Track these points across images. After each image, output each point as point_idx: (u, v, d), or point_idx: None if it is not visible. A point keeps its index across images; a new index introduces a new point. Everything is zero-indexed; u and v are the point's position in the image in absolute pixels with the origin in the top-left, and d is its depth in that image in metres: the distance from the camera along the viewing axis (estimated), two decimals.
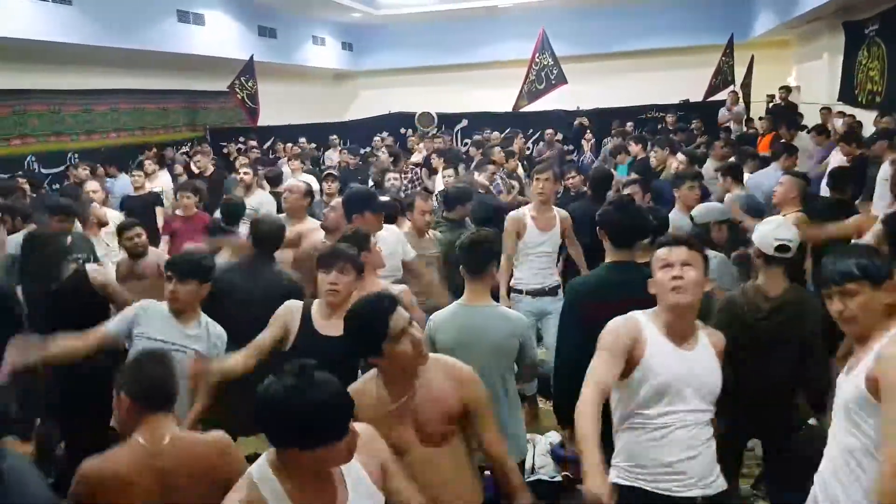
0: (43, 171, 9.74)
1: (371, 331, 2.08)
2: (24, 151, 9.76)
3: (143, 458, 2.08)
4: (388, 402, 2.15)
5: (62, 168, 9.70)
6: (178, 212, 5.86)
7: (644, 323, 2.29)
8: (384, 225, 4.18)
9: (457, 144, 12.13)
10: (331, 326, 2.88)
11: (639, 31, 16.11)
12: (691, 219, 4.23)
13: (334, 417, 1.61)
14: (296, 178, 6.86)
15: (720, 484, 2.28)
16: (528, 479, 3.73)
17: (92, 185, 5.75)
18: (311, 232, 4.55)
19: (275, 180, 7.15)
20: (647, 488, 2.25)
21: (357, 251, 3.15)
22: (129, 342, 3.07)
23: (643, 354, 2.23)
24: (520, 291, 4.58)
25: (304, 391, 1.58)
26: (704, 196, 4.98)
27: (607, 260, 3.07)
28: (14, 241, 4.13)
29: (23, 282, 3.81)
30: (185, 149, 12.09)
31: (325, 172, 7.12)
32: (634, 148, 7.76)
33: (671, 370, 2.23)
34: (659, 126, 11.56)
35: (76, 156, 10.15)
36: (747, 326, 2.88)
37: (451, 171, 6.74)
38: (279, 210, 5.51)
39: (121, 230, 4.50)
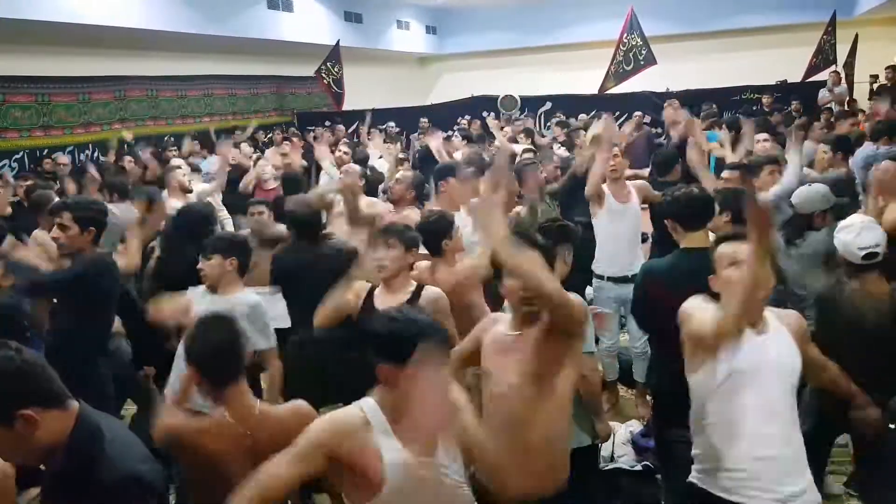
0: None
1: None
2: (123, 135, 10.30)
3: (234, 436, 2.07)
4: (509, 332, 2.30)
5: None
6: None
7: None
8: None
9: (540, 128, 11.94)
10: (387, 301, 2.89)
11: (733, 9, 15.38)
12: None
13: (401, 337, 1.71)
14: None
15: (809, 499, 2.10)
16: (607, 468, 3.65)
17: (175, 162, 6.01)
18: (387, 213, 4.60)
19: (362, 162, 7.26)
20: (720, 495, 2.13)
21: (439, 236, 3.19)
22: None
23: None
24: (601, 277, 4.42)
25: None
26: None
27: (681, 246, 2.96)
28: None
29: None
30: (275, 133, 12.39)
31: (399, 157, 7.18)
32: (723, 134, 7.39)
33: (748, 355, 2.12)
34: (754, 108, 11.01)
35: (171, 139, 10.60)
36: (849, 325, 2.72)
37: (529, 155, 6.67)
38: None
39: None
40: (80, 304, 3.17)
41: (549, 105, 12.92)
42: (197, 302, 3.08)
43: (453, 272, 3.24)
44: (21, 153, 8.76)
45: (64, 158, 8.03)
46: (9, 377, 1.48)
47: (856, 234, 2.75)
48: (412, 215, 4.13)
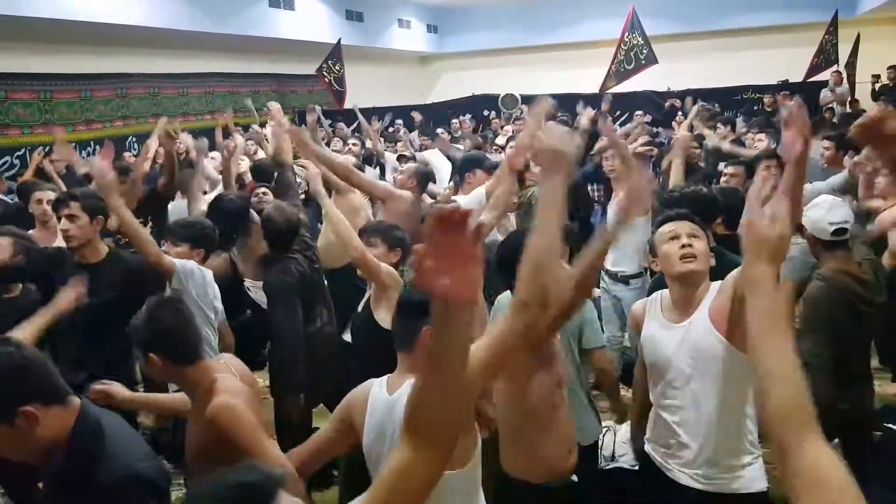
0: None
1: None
2: (125, 132, 10.30)
3: (240, 384, 2.14)
4: None
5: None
6: None
7: (652, 300, 2.42)
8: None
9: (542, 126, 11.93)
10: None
11: (735, 9, 15.37)
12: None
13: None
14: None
15: (733, 484, 2.18)
16: (607, 467, 3.65)
17: (212, 154, 6.10)
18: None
19: (367, 160, 7.35)
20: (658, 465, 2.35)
21: None
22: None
23: (643, 332, 2.38)
24: (614, 276, 4.47)
25: None
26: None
27: None
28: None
29: None
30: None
31: (398, 154, 7.33)
32: (721, 130, 7.42)
33: (658, 348, 2.29)
34: (755, 108, 11.01)
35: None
36: (847, 309, 2.77)
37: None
38: None
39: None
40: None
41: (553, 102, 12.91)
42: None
43: None
44: (23, 150, 8.76)
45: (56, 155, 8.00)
46: (10, 374, 1.47)
47: (826, 210, 2.81)
48: (406, 195, 4.15)
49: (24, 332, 2.35)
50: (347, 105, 12.54)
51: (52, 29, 8.32)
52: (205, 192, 5.07)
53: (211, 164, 5.63)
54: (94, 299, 2.81)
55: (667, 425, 2.29)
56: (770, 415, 1.10)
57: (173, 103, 11.49)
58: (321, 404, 3.84)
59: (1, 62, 8.42)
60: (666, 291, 2.37)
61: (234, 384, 2.09)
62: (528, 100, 13.06)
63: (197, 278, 3.08)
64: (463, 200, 4.01)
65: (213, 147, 9.58)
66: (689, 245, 2.25)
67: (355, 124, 13.27)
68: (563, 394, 2.39)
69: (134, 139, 10.29)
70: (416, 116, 11.85)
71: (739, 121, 8.94)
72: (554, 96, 13.61)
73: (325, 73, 12.01)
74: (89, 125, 9.82)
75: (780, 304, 1.21)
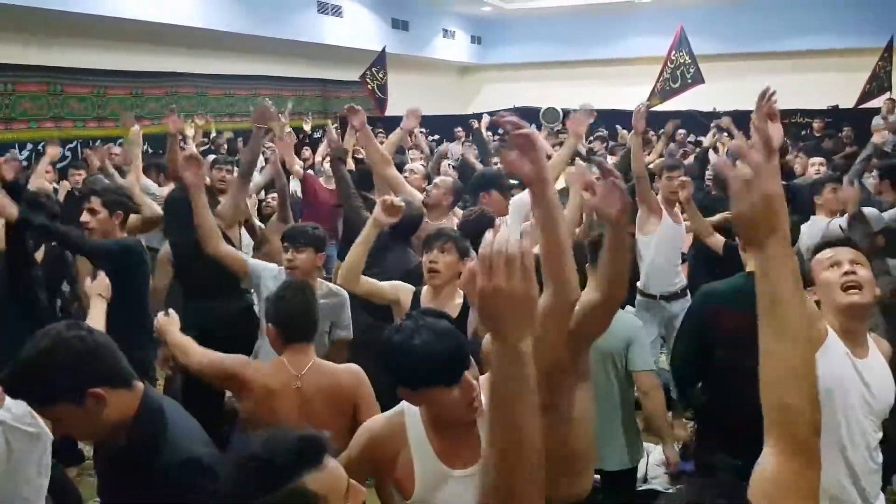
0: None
1: None
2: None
3: (286, 378, 2.35)
4: None
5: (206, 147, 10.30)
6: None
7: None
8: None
9: (584, 141, 11.87)
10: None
11: (785, 31, 15.15)
12: (841, 228, 3.92)
13: (444, 360, 1.62)
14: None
15: None
16: (640, 489, 3.59)
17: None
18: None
19: (400, 167, 7.34)
20: None
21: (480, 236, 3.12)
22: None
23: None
24: (652, 296, 4.41)
25: (414, 332, 1.65)
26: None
27: (747, 269, 2.89)
28: None
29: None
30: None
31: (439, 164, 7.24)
32: None
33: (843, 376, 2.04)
34: (803, 132, 10.81)
35: (219, 135, 10.80)
36: None
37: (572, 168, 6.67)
38: None
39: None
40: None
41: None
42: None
43: None
44: (75, 143, 9.01)
45: (116, 149, 8.22)
46: (81, 356, 1.53)
47: None
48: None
49: (93, 320, 2.47)
50: (389, 113, 12.64)
51: (108, 27, 8.57)
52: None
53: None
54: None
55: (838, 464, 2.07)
56: None
57: (219, 103, 11.71)
58: None
59: (58, 57, 8.66)
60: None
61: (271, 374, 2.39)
62: (569, 114, 13.02)
63: (272, 283, 3.14)
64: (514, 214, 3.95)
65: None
66: (853, 272, 2.06)
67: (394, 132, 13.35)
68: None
69: (181, 137, 10.50)
70: (475, 124, 11.79)
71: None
72: (596, 112, 13.50)
73: (368, 80, 12.13)
74: (139, 121, 10.03)
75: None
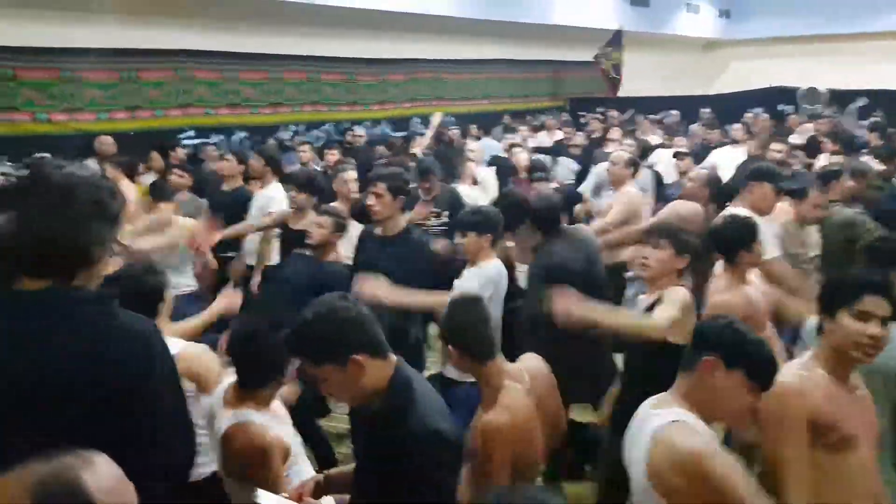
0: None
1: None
2: (410, 113, 11.05)
3: (523, 399, 2.25)
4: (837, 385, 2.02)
5: (405, 133, 10.55)
6: None
7: None
8: None
9: (853, 128, 10.40)
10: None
11: None
12: None
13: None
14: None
15: None
16: None
17: (472, 145, 6.22)
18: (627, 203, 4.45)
19: (644, 153, 6.95)
20: None
21: (735, 244, 2.90)
22: None
23: None
24: None
25: None
26: None
27: None
28: None
29: None
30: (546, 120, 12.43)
31: (675, 151, 6.91)
32: None
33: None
34: None
35: (452, 119, 11.12)
36: None
37: (838, 158, 5.89)
38: None
39: None
40: None
41: (864, 101, 11.17)
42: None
43: (742, 292, 2.86)
44: (327, 125, 9.85)
45: (360, 131, 8.83)
46: (348, 324, 1.67)
47: None
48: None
49: (187, 325, 2.77)
50: (623, 94, 12.11)
51: (357, 17, 9.16)
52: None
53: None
54: (393, 270, 3.17)
55: None
56: None
57: (456, 87, 12.06)
58: None
59: (275, 45, 9.23)
60: None
61: (516, 400, 2.21)
62: (836, 97, 11.46)
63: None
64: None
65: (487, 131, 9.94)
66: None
67: (628, 115, 12.81)
68: None
69: (419, 120, 10.97)
70: (706, 114, 10.98)
71: None
72: (869, 92, 11.82)
73: (602, 60, 11.76)
74: (383, 105, 10.73)
75: None
